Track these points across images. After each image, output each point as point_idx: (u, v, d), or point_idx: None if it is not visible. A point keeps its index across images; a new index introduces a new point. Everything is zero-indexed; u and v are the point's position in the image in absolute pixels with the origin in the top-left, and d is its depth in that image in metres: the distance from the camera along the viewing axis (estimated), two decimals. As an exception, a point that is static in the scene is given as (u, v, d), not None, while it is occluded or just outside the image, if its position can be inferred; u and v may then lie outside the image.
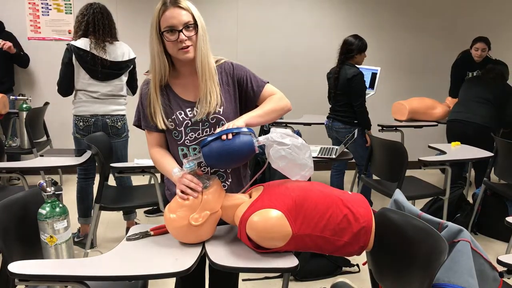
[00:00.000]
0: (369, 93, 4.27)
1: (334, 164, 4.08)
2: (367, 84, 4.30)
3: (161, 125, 1.68)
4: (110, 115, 3.19)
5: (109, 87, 3.16)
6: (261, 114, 1.67)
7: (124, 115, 3.30)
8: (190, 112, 1.68)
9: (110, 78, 3.15)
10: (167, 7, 1.58)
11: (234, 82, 1.73)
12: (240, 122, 1.58)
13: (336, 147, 3.39)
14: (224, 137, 1.52)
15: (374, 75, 4.43)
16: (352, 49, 3.77)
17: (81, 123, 3.15)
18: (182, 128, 1.68)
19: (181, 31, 1.58)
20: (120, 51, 3.17)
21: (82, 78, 3.10)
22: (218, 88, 1.68)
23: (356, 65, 3.79)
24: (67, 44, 3.08)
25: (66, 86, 3.12)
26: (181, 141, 1.70)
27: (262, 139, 1.57)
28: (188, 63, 1.67)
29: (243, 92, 1.74)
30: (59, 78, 3.12)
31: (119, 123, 3.24)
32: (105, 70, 3.11)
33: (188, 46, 1.61)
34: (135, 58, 3.27)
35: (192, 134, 1.69)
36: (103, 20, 3.09)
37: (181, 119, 1.68)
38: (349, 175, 4.55)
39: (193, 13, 1.61)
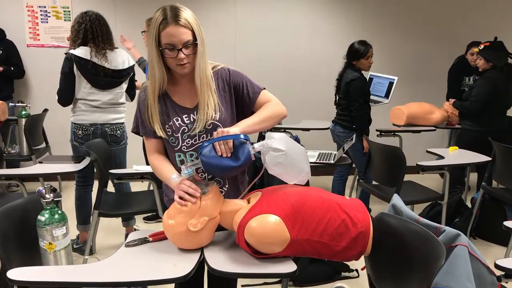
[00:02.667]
0: (383, 101, 4.26)
1: (337, 169, 4.08)
2: (383, 93, 4.28)
3: (158, 131, 1.69)
4: (110, 123, 3.18)
5: (110, 95, 3.16)
6: (257, 121, 1.67)
7: (123, 123, 3.29)
8: (187, 119, 1.69)
9: (111, 86, 3.14)
10: (168, 23, 1.56)
11: (231, 88, 1.74)
12: (236, 130, 1.58)
13: (335, 152, 3.40)
14: (222, 143, 1.53)
15: (391, 84, 4.36)
16: (350, 54, 3.80)
17: (80, 132, 3.13)
18: (179, 134, 1.69)
19: (180, 49, 1.58)
20: (120, 58, 3.16)
21: (83, 87, 3.07)
22: (215, 96, 1.69)
23: (362, 70, 3.80)
24: (66, 53, 3.04)
25: (67, 96, 3.09)
26: (178, 147, 1.71)
27: (257, 146, 1.56)
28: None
29: (239, 98, 1.75)
30: (60, 88, 3.08)
31: (118, 131, 3.24)
32: (107, 79, 3.09)
33: (186, 63, 1.62)
34: (134, 65, 3.28)
35: (189, 140, 1.69)
36: (101, 27, 3.06)
37: (178, 125, 1.68)
38: (349, 180, 4.54)
39: (193, 29, 1.59)
